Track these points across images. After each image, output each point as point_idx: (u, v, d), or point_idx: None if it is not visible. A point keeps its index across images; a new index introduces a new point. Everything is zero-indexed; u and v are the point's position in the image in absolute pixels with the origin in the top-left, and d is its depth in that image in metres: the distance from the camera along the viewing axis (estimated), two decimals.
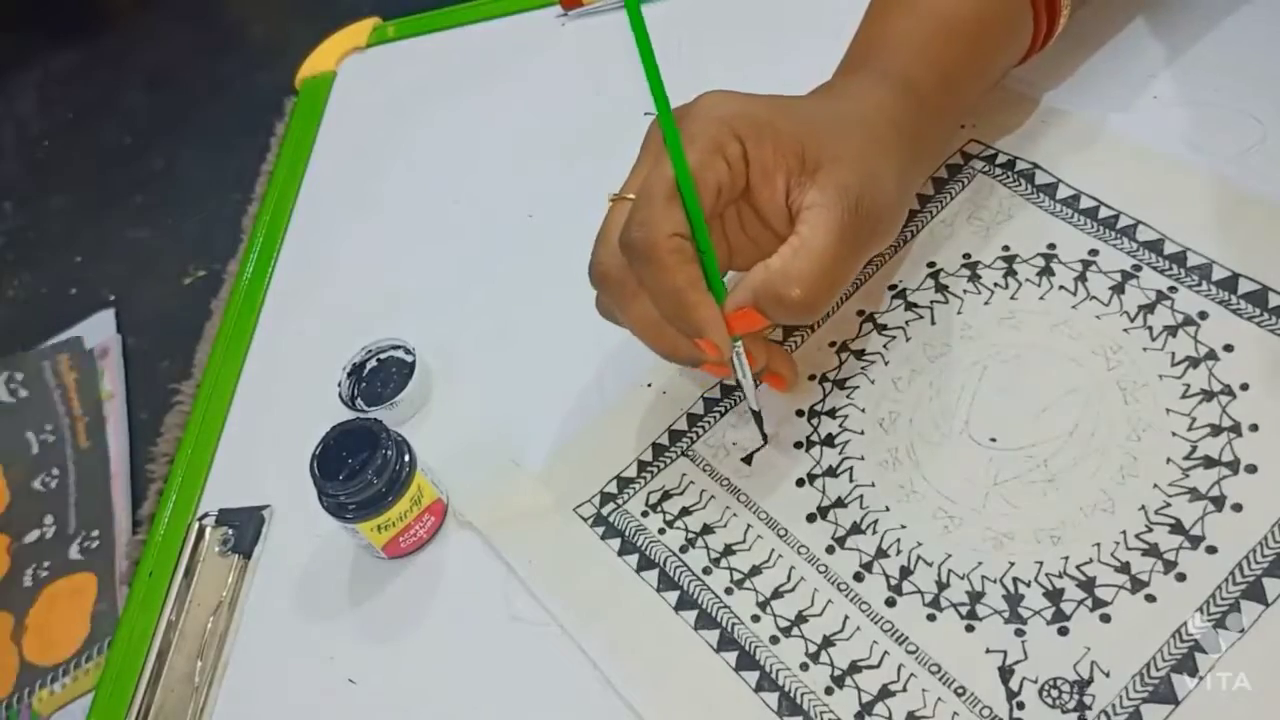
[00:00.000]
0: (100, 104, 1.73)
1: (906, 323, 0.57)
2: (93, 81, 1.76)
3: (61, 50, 1.83)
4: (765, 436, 0.56)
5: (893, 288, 0.58)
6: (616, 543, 0.55)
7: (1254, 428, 0.48)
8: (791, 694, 0.49)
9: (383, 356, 0.67)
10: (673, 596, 0.53)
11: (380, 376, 0.66)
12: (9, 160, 1.70)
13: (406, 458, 0.57)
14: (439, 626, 0.57)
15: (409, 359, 0.65)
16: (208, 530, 0.65)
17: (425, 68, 0.87)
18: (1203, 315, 0.52)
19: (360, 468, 0.55)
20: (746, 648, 0.50)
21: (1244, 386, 0.49)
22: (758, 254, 0.51)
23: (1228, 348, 0.50)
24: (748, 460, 0.56)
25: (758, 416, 0.55)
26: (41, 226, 1.58)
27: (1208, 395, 0.49)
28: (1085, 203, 0.57)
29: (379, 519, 0.56)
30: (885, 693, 0.47)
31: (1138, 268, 0.54)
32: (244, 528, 0.64)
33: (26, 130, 1.73)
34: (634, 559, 0.55)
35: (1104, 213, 0.56)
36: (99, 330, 1.54)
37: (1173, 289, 0.53)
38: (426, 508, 0.58)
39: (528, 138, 0.76)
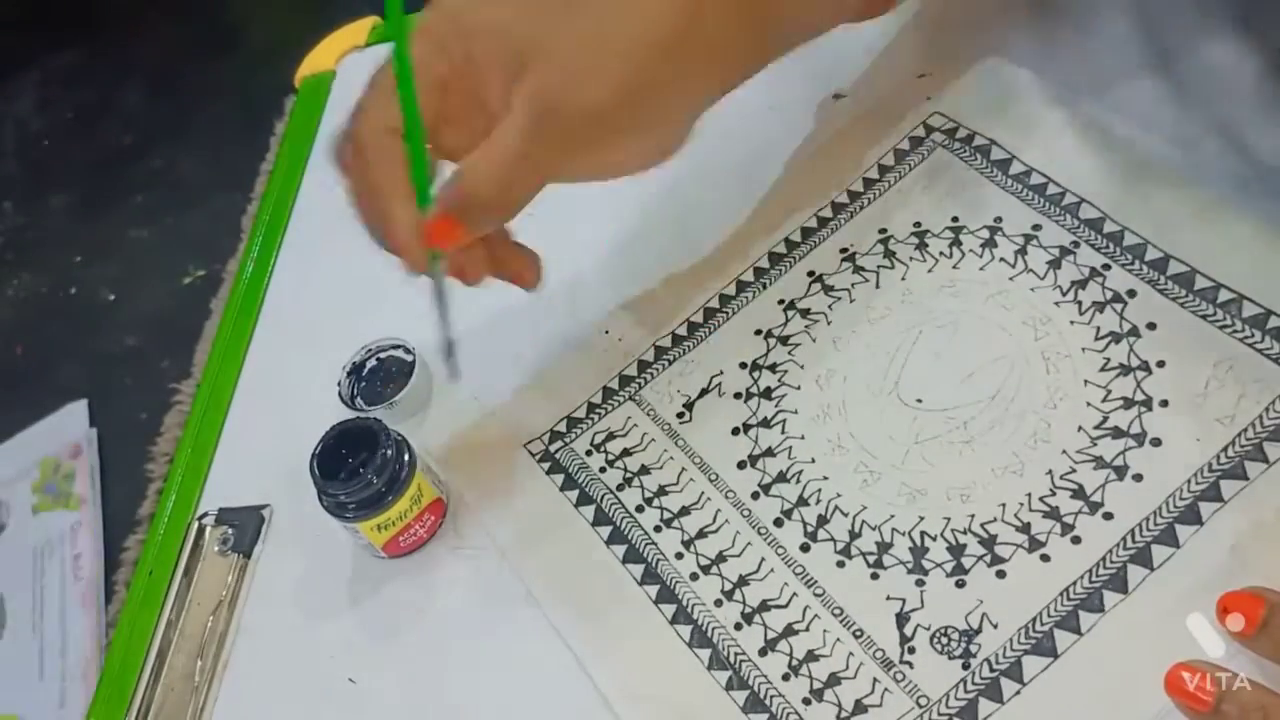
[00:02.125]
0: (100, 104, 1.74)
1: (852, 285, 0.59)
2: (93, 81, 1.76)
3: (62, 50, 1.83)
4: (451, 370, 0.56)
5: (844, 251, 0.60)
6: (559, 478, 0.58)
7: (1164, 403, 0.50)
8: (704, 628, 0.51)
9: (382, 356, 0.66)
10: (605, 531, 0.56)
11: (380, 376, 0.65)
12: (9, 160, 1.71)
13: (406, 457, 0.57)
14: (438, 626, 0.57)
15: (409, 358, 0.65)
16: (207, 529, 0.64)
17: None
18: (1131, 293, 0.53)
19: (360, 467, 0.55)
20: (668, 583, 0.53)
21: (1160, 364, 0.51)
22: None
23: (1151, 325, 0.52)
24: (689, 407, 0.58)
25: (450, 347, 0.55)
26: (41, 226, 1.59)
27: (1125, 370, 0.51)
28: (1035, 179, 0.58)
29: (379, 518, 0.56)
30: (789, 631, 0.50)
31: (1076, 244, 0.55)
32: (244, 527, 0.64)
33: (26, 129, 1.74)
34: (574, 494, 0.57)
35: (1051, 189, 0.58)
36: (69, 426, 1.41)
37: (1106, 266, 0.54)
38: (426, 507, 0.58)
39: None
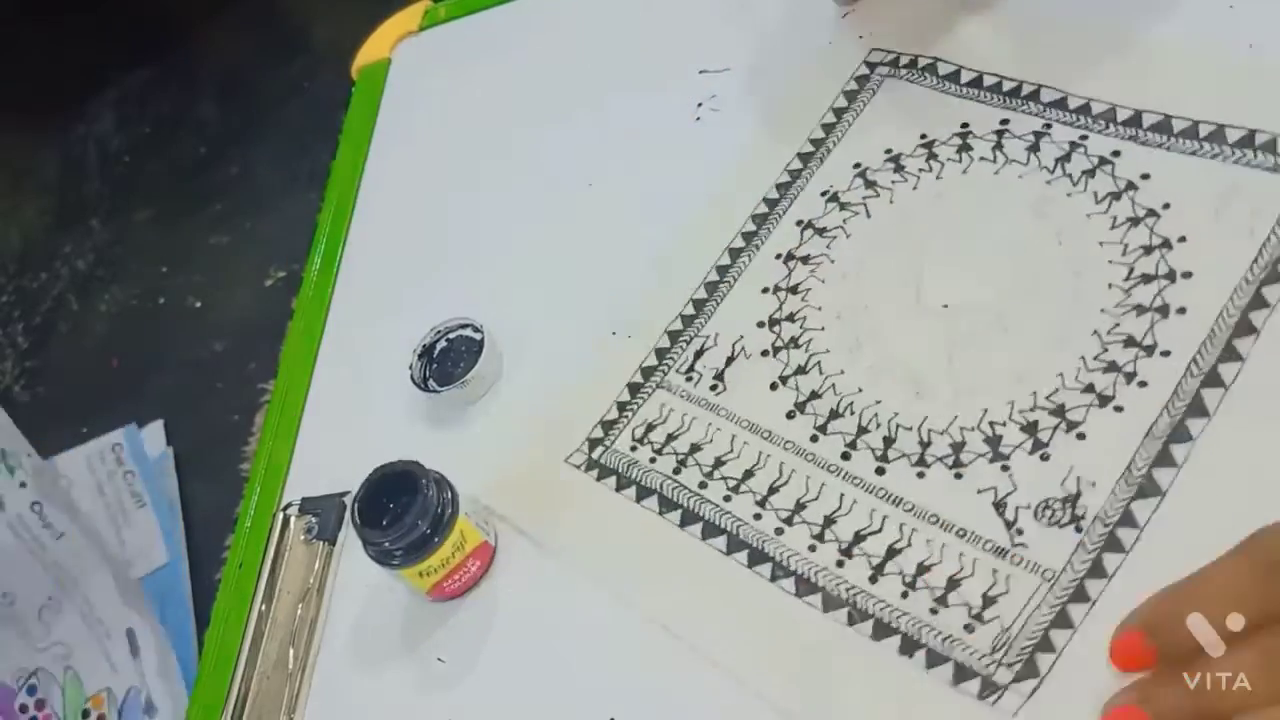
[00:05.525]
0: (174, 117, 1.76)
1: (844, 221, 0.59)
2: (167, 95, 1.79)
3: (136, 68, 1.86)
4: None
5: (824, 193, 0.61)
6: (612, 481, 0.57)
7: (1182, 239, 0.51)
8: (805, 575, 0.50)
9: (452, 336, 0.66)
10: (675, 516, 0.55)
11: (451, 356, 0.65)
12: (93, 179, 1.72)
13: (448, 496, 0.56)
14: (525, 604, 0.57)
15: (478, 336, 0.64)
16: (292, 519, 0.65)
17: (479, 45, 0.85)
18: (1115, 154, 0.55)
19: (403, 512, 0.54)
20: (755, 544, 0.52)
21: (1166, 206, 0.52)
22: None
23: (1144, 176, 0.53)
24: (720, 378, 0.58)
25: None
26: (127, 240, 1.59)
27: (1134, 221, 0.52)
28: (988, 81, 0.60)
29: (423, 564, 0.55)
30: (892, 552, 0.49)
31: (1048, 126, 0.57)
32: (326, 515, 0.64)
33: (107, 148, 1.75)
34: (632, 491, 0.56)
35: (1007, 86, 0.59)
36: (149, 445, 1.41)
37: (1084, 137, 0.56)
38: (471, 553, 0.56)
39: (583, 108, 0.74)
